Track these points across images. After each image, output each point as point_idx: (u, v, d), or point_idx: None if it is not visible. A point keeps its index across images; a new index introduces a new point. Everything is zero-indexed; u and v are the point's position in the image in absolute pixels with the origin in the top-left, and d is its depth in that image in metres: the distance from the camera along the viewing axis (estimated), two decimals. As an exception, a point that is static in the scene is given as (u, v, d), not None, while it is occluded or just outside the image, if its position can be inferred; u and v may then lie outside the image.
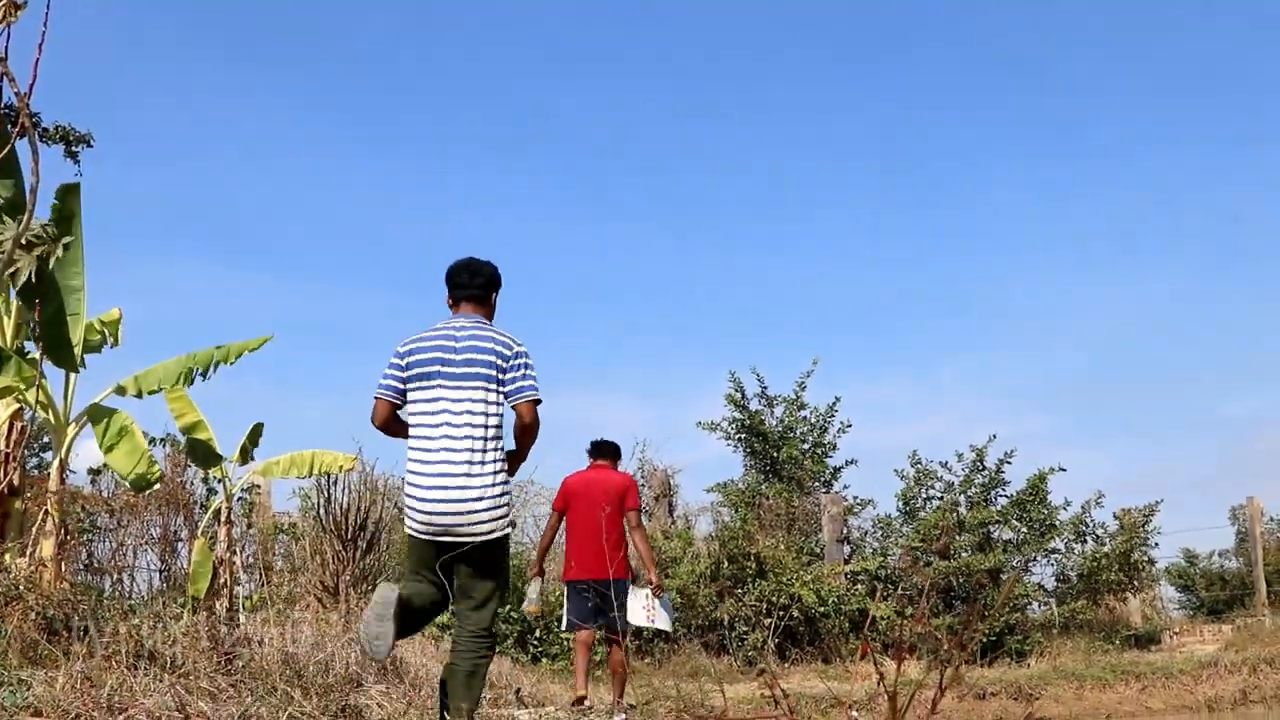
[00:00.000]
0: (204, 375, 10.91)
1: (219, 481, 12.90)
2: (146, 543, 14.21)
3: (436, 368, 5.79)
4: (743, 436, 21.27)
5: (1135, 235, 41.85)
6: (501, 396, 5.84)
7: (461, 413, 5.73)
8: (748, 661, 17.33)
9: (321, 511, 13.99)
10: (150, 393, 10.78)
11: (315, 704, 6.38)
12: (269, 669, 6.90)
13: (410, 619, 5.76)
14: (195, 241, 42.96)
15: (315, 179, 43.05)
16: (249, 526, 15.43)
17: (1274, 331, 38.50)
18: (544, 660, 15.70)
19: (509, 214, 43.21)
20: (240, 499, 14.62)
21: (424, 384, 5.81)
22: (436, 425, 5.74)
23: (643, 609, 9.47)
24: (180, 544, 14.35)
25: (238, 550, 13.22)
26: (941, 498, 20.04)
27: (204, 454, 11.66)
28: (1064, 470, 19.92)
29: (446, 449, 5.69)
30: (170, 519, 14.35)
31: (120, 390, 10.61)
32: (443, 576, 5.81)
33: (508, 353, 5.86)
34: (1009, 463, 19.96)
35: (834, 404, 21.29)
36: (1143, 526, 20.08)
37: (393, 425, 5.97)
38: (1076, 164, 42.10)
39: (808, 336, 44.09)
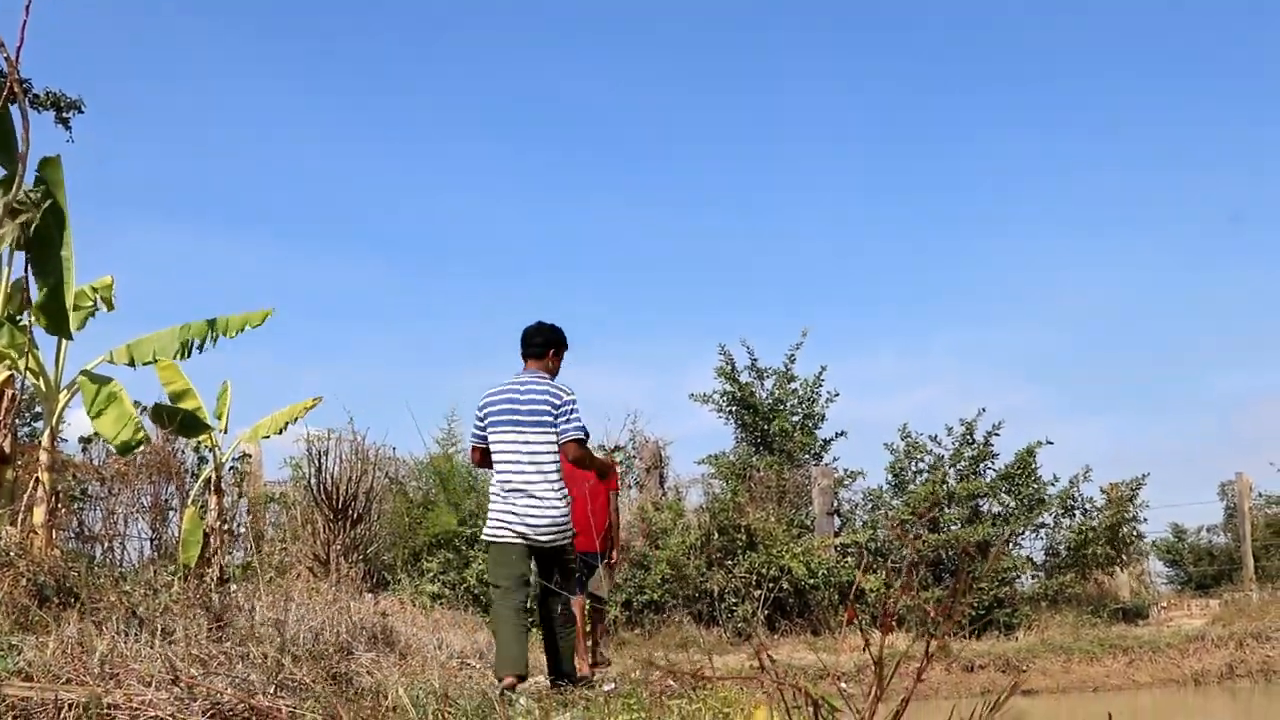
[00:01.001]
0: (200, 348, 10.89)
1: (210, 450, 12.90)
2: (137, 511, 14.18)
3: (507, 416, 7.38)
4: (733, 409, 21.30)
5: (1125, 209, 41.90)
6: (549, 434, 7.35)
7: (530, 451, 7.32)
8: (737, 633, 17.40)
9: (312, 481, 14.00)
10: (145, 363, 10.77)
11: (306, 671, 6.39)
12: (260, 636, 6.92)
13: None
14: (186, 210, 42.87)
15: (307, 148, 42.96)
16: (240, 495, 15.43)
17: (1264, 307, 38.59)
18: (533, 630, 15.72)
19: (500, 185, 43.21)
20: (231, 468, 14.62)
21: (498, 430, 7.40)
22: (513, 459, 7.33)
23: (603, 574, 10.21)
24: (171, 512, 14.34)
25: (229, 519, 13.24)
26: (931, 470, 20.07)
27: (186, 422, 11.63)
28: (1051, 444, 19.96)
29: (525, 479, 7.30)
30: (161, 488, 14.32)
31: (112, 359, 10.60)
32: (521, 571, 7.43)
33: (557, 402, 7.38)
34: (998, 435, 20.01)
35: (820, 373, 21.32)
36: (1130, 501, 20.13)
37: (484, 462, 7.61)
38: (1068, 136, 42.11)
39: (799, 309, 44.27)
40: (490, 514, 7.40)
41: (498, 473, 7.38)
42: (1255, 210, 40.66)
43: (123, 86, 38.37)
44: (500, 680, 7.14)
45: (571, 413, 7.39)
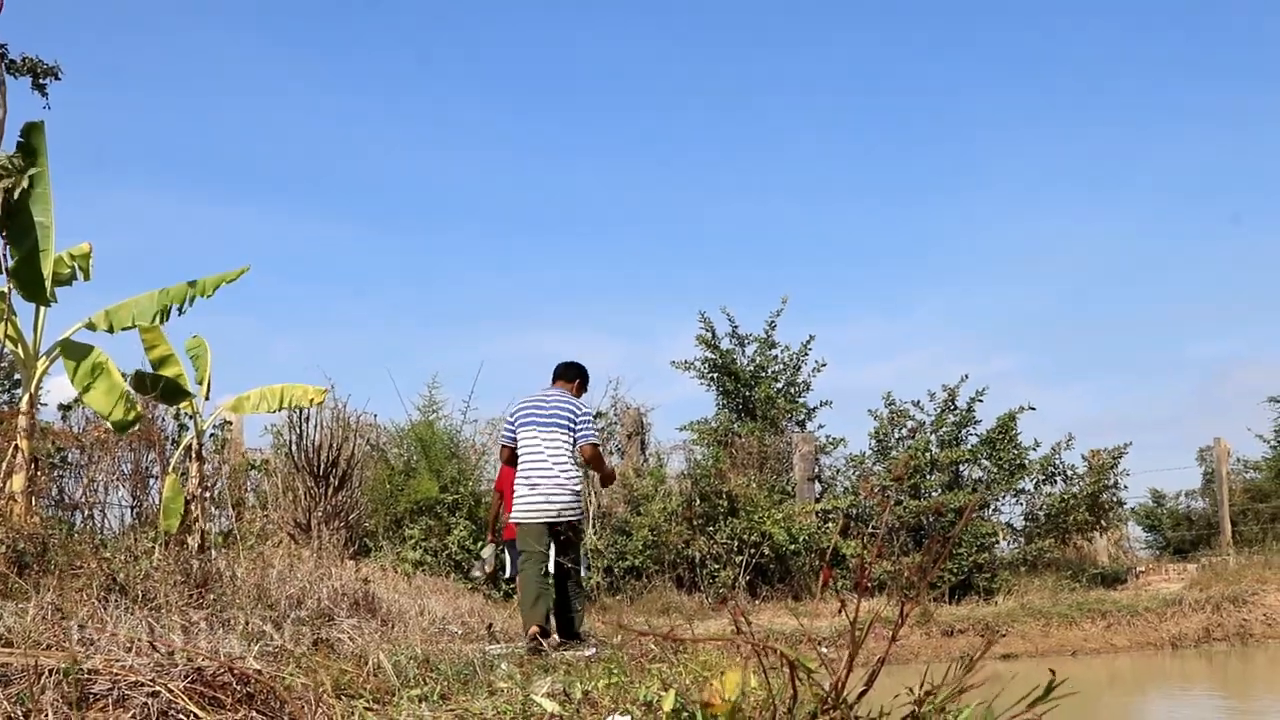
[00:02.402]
0: (180, 310, 10.83)
1: (190, 418, 12.86)
2: (118, 478, 14.16)
3: (530, 419, 9.05)
4: (715, 376, 21.32)
5: (1104, 171, 41.94)
6: (574, 439, 8.99)
7: (549, 447, 8.95)
8: (719, 599, 17.46)
9: (293, 448, 13.99)
10: (124, 329, 10.71)
11: (288, 637, 6.40)
12: (241, 603, 6.92)
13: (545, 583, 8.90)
14: (165, 174, 42.63)
15: (287, 112, 42.71)
16: (221, 463, 15.41)
17: (1243, 273, 38.74)
18: (515, 597, 15.79)
19: (483, 149, 43.03)
20: (212, 435, 14.59)
21: (524, 430, 9.06)
22: (535, 453, 8.96)
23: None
24: (152, 480, 14.31)
25: (209, 486, 13.22)
26: (913, 437, 20.12)
27: (168, 389, 11.59)
28: (1033, 409, 20.07)
29: (543, 468, 8.93)
30: (141, 455, 14.30)
31: (91, 325, 10.55)
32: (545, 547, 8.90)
33: (578, 414, 9.07)
34: (980, 401, 20.10)
35: (807, 343, 21.37)
36: (1111, 469, 20.25)
37: (511, 460, 9.20)
38: (1047, 99, 42.10)
39: (779, 276, 44.21)
40: (516, 500, 9.02)
41: (522, 464, 9.03)
42: (1240, 178, 40.73)
43: (99, 49, 38.10)
44: (526, 631, 8.62)
45: (589, 423, 9.10)
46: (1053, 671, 3.09)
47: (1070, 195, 42.74)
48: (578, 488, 9.04)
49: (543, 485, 8.89)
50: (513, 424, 9.17)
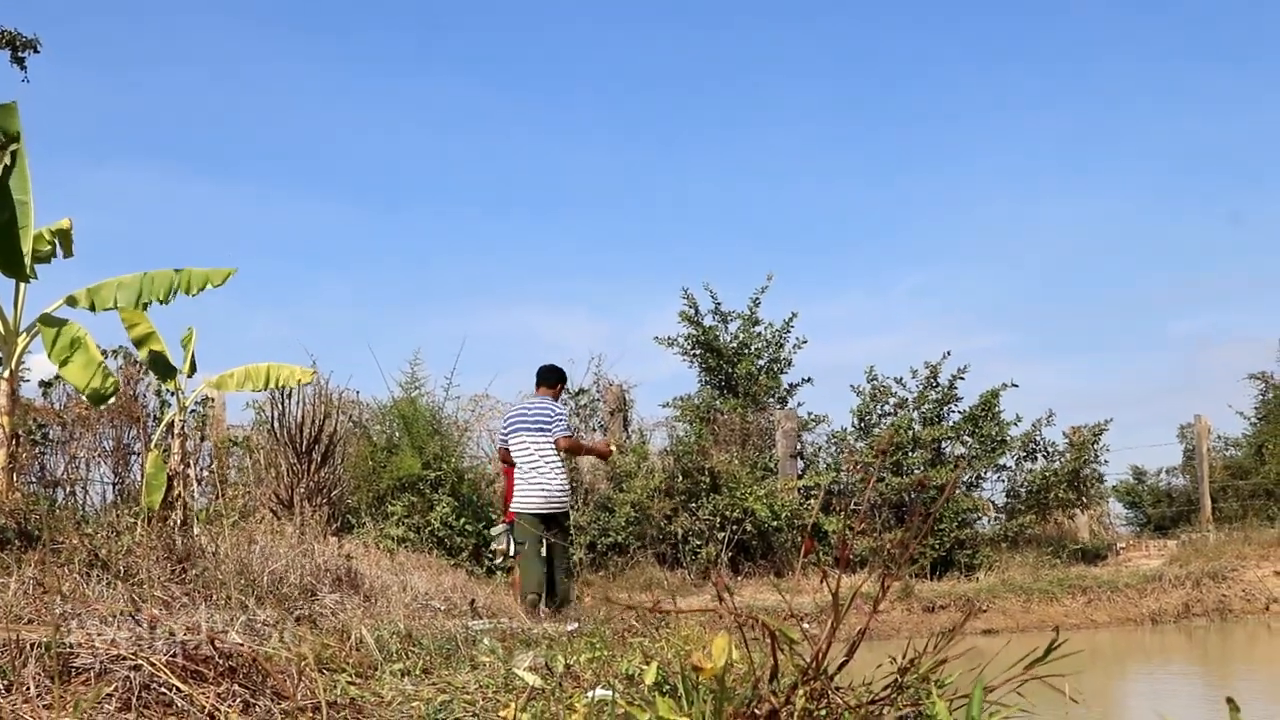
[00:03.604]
0: (162, 301, 10.81)
1: (172, 394, 12.83)
2: (99, 455, 14.14)
3: (519, 425, 10.73)
4: (698, 352, 21.36)
5: (1086, 149, 41.99)
6: (547, 437, 10.52)
7: (537, 447, 10.56)
8: (701, 575, 17.51)
9: (276, 425, 13.96)
10: (105, 309, 10.69)
11: (270, 612, 6.40)
12: (224, 579, 6.92)
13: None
14: (144, 151, 42.43)
15: (268, 89, 42.52)
16: (203, 439, 15.38)
17: (1224, 250, 38.85)
18: (499, 574, 15.82)
19: (466, 125, 42.89)
20: (194, 412, 14.56)
21: (514, 435, 10.75)
22: (525, 454, 10.60)
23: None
24: (134, 457, 14.29)
25: (192, 463, 13.19)
26: (895, 414, 20.17)
27: (162, 366, 11.59)
28: (1016, 386, 20.09)
29: (535, 467, 10.54)
30: (123, 432, 14.27)
31: (72, 301, 10.52)
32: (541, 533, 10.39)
33: (553, 415, 10.66)
34: (962, 379, 20.11)
35: (790, 320, 21.41)
36: (1092, 445, 20.32)
37: (507, 459, 10.89)
38: (1029, 78, 42.12)
39: (763, 252, 44.19)
40: (515, 494, 10.71)
41: (518, 465, 10.68)
42: (1222, 156, 40.82)
43: (80, 26, 37.86)
44: (526, 598, 10.21)
45: (561, 421, 10.68)
46: (1056, 630, 3.11)
47: (1051, 173, 42.84)
48: (564, 480, 10.70)
49: (535, 481, 10.51)
50: (505, 431, 10.93)
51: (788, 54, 43.59)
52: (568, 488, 10.90)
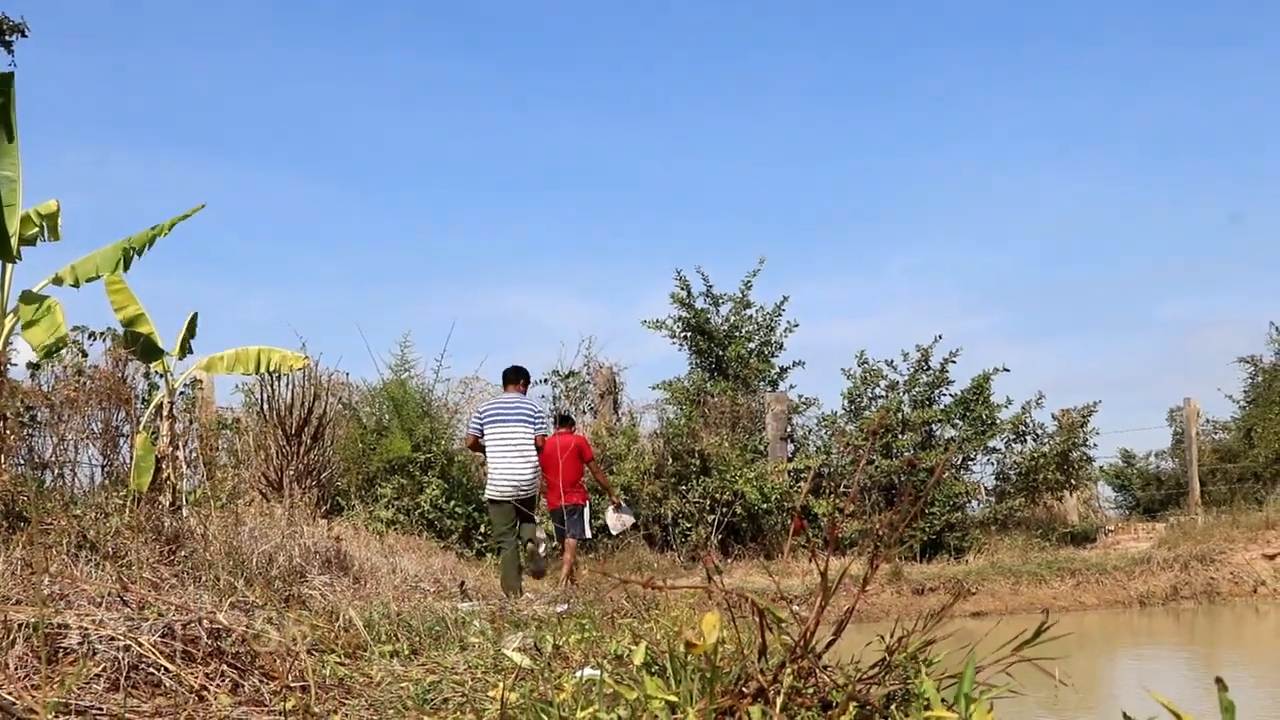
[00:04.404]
0: (140, 253, 10.75)
1: (160, 376, 12.79)
2: (88, 437, 14.08)
3: (498, 418, 11.55)
4: (688, 335, 21.36)
5: (1076, 132, 42.01)
6: (534, 431, 11.54)
7: (514, 440, 11.47)
8: (691, 557, 17.54)
9: (265, 406, 13.93)
10: (89, 279, 10.64)
11: (259, 594, 6.40)
12: (213, 560, 6.91)
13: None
14: (130, 130, 42.28)
15: (259, 69, 42.37)
16: (191, 421, 15.34)
17: (1213, 234, 38.91)
18: (489, 556, 15.83)
19: (457, 105, 42.78)
20: (182, 393, 14.52)
21: (493, 426, 11.53)
22: (503, 446, 11.46)
23: (616, 519, 13.60)
24: (122, 439, 14.24)
25: (180, 445, 13.16)
26: (886, 397, 20.18)
27: (146, 347, 11.54)
28: (1007, 370, 20.10)
29: (509, 456, 11.46)
30: (112, 414, 14.21)
31: (58, 280, 10.48)
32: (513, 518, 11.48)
33: (533, 412, 11.72)
34: (954, 362, 20.10)
35: (781, 303, 21.40)
36: (1081, 427, 20.34)
37: (476, 447, 11.80)
38: (1020, 60, 42.10)
39: (756, 236, 44.21)
40: (489, 482, 11.64)
41: (491, 455, 11.56)
42: (1210, 139, 40.85)
43: (63, 5, 37.68)
44: (505, 593, 10.84)
45: (542, 419, 11.79)
46: (1046, 612, 3.11)
47: (1041, 156, 42.83)
48: (533, 472, 11.65)
49: (506, 472, 11.48)
50: (481, 421, 11.72)
51: (783, 36, 43.51)
52: (537, 477, 11.78)
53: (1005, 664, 3.20)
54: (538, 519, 12.99)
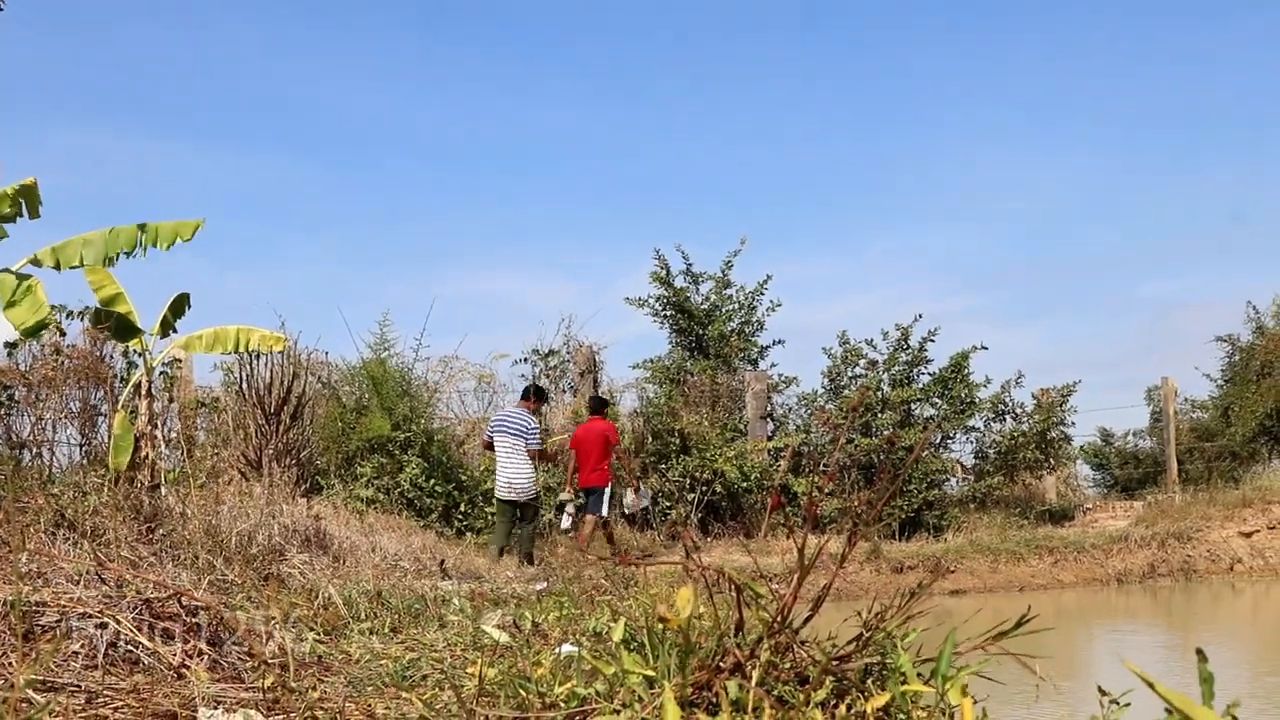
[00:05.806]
0: (129, 254, 10.67)
1: (139, 355, 12.74)
2: (66, 416, 14.04)
3: (503, 428, 13.81)
4: (669, 314, 21.32)
5: (1056, 111, 42.08)
6: (525, 443, 13.69)
7: (514, 448, 13.67)
8: (670, 536, 17.57)
9: (244, 385, 13.90)
10: (71, 267, 10.56)
11: (238, 572, 6.40)
12: (191, 539, 6.90)
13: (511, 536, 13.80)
14: (111, 110, 42.03)
15: (240, 49, 42.15)
16: (170, 400, 15.29)
17: (1192, 214, 39.03)
18: (469, 534, 15.84)
19: (439, 86, 42.64)
20: (161, 373, 14.47)
21: (498, 435, 13.81)
22: (506, 452, 13.67)
23: (633, 499, 15.82)
24: (100, 418, 14.20)
25: (159, 424, 13.12)
26: (866, 375, 20.21)
27: (121, 326, 11.46)
28: (985, 349, 20.13)
29: (504, 461, 13.69)
30: (90, 393, 14.17)
31: (36, 261, 10.40)
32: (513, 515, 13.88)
33: (527, 428, 13.79)
34: (932, 341, 20.13)
35: (763, 283, 21.37)
36: (1060, 406, 20.42)
37: (490, 447, 14.07)
38: (1000, 38, 42.13)
39: (737, 215, 44.20)
40: (496, 481, 13.90)
41: (498, 458, 13.82)
42: (1192, 118, 40.94)
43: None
44: (494, 550, 13.45)
45: (534, 434, 13.85)
46: (1029, 607, 3.12)
47: (1022, 135, 42.90)
48: (528, 476, 13.79)
49: (506, 475, 13.67)
50: (491, 430, 14.05)
51: (764, 18, 43.43)
52: (531, 482, 13.88)
53: (984, 648, 3.21)
54: (569, 495, 15.44)
